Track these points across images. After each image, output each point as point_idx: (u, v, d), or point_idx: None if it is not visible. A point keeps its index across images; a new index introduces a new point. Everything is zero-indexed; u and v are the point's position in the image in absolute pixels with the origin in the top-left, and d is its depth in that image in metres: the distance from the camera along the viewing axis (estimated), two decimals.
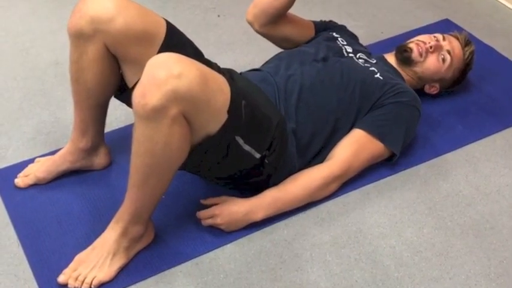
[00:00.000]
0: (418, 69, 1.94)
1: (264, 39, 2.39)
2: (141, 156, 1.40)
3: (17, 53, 2.32)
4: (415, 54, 1.93)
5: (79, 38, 1.55)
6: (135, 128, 1.38)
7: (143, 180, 1.44)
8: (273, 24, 1.92)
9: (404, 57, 1.94)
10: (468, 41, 2.01)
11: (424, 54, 1.92)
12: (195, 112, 1.38)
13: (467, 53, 1.98)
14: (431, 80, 1.98)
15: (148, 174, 1.43)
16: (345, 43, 1.92)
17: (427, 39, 1.95)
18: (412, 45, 1.95)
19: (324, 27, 2.02)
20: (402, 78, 1.94)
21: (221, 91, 1.43)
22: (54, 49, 2.32)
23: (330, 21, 2.06)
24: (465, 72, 2.03)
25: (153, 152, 1.38)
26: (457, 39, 1.99)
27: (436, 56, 1.93)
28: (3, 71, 2.23)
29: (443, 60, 1.93)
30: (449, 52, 1.94)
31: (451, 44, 1.96)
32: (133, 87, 1.55)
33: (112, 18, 1.50)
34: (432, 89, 2.02)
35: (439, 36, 1.96)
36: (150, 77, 1.33)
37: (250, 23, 1.95)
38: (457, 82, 2.05)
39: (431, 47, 1.92)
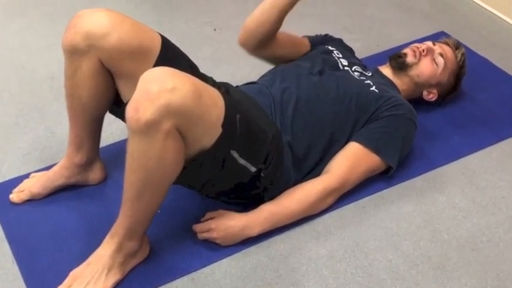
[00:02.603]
0: (413, 72, 1.95)
1: None
2: (135, 170, 1.40)
3: (12, 67, 2.33)
4: (409, 58, 1.95)
5: (74, 53, 1.55)
6: (128, 143, 1.38)
7: (137, 194, 1.43)
8: (264, 48, 1.90)
9: (399, 62, 1.96)
10: (458, 44, 2.05)
11: (418, 57, 1.95)
12: (189, 126, 1.38)
13: (459, 55, 2.02)
14: (429, 84, 1.98)
15: (143, 188, 1.42)
16: (341, 56, 1.93)
17: (418, 45, 1.99)
18: (405, 51, 1.99)
19: (321, 41, 2.03)
20: (398, 90, 1.94)
21: (215, 105, 1.43)
22: (50, 64, 2.32)
23: (326, 34, 2.07)
24: (460, 76, 2.04)
25: (146, 166, 1.38)
26: (447, 44, 2.03)
27: (429, 59, 1.95)
28: None
29: (437, 63, 1.96)
30: (441, 54, 1.96)
31: (442, 48, 1.99)
32: (128, 102, 1.56)
33: (107, 34, 1.50)
34: (431, 96, 2.02)
35: (429, 42, 2.00)
36: (143, 92, 1.33)
37: (242, 47, 1.94)
38: (454, 87, 2.06)
39: (424, 50, 1.95)
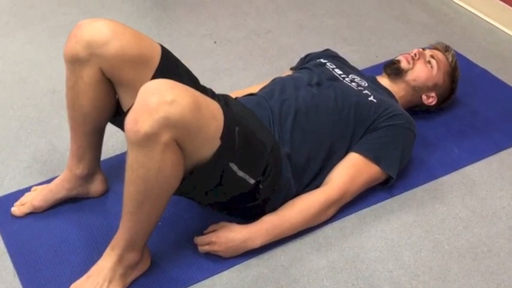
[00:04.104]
0: (409, 77, 1.97)
1: (260, 65, 2.42)
2: (134, 182, 1.40)
3: (14, 81, 2.34)
4: (403, 63, 1.99)
5: (75, 62, 1.56)
6: (127, 155, 1.39)
7: (137, 206, 1.43)
8: None
9: (394, 68, 1.99)
10: (447, 47, 2.08)
11: (411, 62, 1.98)
12: (188, 138, 1.39)
13: (450, 56, 2.05)
14: (426, 87, 2.00)
15: (142, 200, 1.42)
16: (334, 66, 1.95)
17: (408, 52, 2.03)
18: (398, 58, 2.02)
19: (308, 60, 2.05)
20: (396, 99, 1.95)
21: (214, 118, 1.43)
22: (51, 78, 2.34)
23: (308, 54, 2.09)
24: (455, 77, 2.06)
25: (146, 178, 1.38)
26: (436, 48, 2.07)
27: (422, 62, 1.99)
28: (0, 100, 2.24)
29: (430, 65, 1.99)
30: (432, 57, 2.00)
31: (432, 51, 2.03)
32: (128, 112, 1.56)
33: (107, 42, 1.51)
34: (430, 100, 2.03)
35: (419, 49, 2.03)
36: (142, 104, 1.33)
37: None
38: (452, 91, 2.08)
39: (415, 55, 1.99)
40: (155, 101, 1.32)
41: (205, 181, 1.50)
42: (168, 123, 1.33)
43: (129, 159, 1.39)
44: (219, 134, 1.43)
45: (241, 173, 1.52)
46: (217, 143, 1.43)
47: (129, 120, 1.34)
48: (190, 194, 1.59)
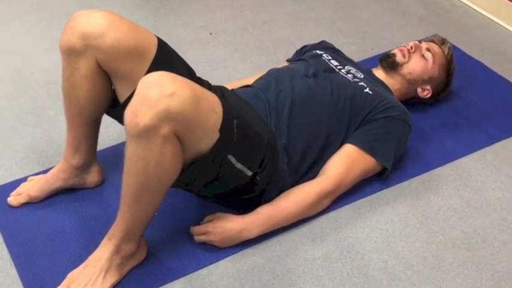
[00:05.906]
0: (405, 71, 1.98)
1: (257, 56, 2.42)
2: (133, 175, 1.40)
3: (9, 72, 2.33)
4: (399, 57, 1.99)
5: (71, 54, 1.56)
6: (127, 147, 1.39)
7: (135, 198, 1.44)
8: None
9: (390, 62, 1.99)
10: (443, 39, 2.08)
11: (407, 55, 1.98)
12: (187, 131, 1.39)
13: (446, 49, 2.05)
14: (422, 80, 2.00)
15: (141, 192, 1.43)
16: (330, 58, 1.95)
17: (405, 44, 2.03)
18: (394, 51, 2.02)
19: (304, 52, 2.06)
20: (391, 92, 1.96)
21: (213, 110, 1.44)
22: (46, 68, 2.33)
23: (304, 46, 2.09)
24: (450, 70, 2.07)
25: (145, 170, 1.39)
26: (433, 41, 2.07)
27: (418, 55, 1.99)
28: None
29: (426, 58, 1.99)
30: (428, 50, 2.00)
31: (428, 44, 2.03)
32: (124, 103, 1.57)
33: (103, 34, 1.51)
34: (425, 92, 2.03)
35: (415, 41, 2.03)
36: (142, 97, 1.33)
37: None
38: (447, 83, 2.08)
39: (411, 47, 1.99)
40: (155, 94, 1.32)
41: (203, 173, 1.50)
42: (167, 116, 1.33)
43: (128, 151, 1.39)
44: (218, 127, 1.44)
45: (239, 165, 1.52)
46: (216, 135, 1.44)
47: (128, 113, 1.34)
48: (188, 186, 1.60)
